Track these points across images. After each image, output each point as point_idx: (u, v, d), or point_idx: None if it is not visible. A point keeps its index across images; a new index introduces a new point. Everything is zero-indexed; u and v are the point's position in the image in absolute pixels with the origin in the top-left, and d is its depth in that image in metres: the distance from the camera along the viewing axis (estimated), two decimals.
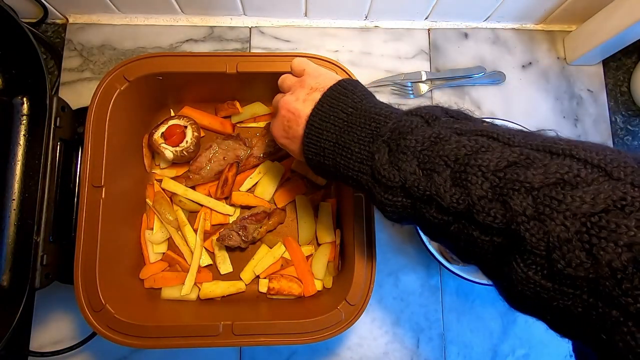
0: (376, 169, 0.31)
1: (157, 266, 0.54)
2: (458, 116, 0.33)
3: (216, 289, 0.53)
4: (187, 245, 0.55)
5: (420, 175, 0.29)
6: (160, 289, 0.53)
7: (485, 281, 0.54)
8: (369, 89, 0.39)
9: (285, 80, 0.43)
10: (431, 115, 0.32)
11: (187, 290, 0.53)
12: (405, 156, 0.30)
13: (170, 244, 0.55)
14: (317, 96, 0.37)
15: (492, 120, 0.58)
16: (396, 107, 0.36)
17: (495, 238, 0.26)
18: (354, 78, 0.45)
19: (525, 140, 0.27)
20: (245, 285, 0.54)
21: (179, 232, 0.55)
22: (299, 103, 0.38)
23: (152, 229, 0.55)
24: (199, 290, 0.54)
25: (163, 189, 0.56)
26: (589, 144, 0.26)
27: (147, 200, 0.55)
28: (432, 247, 0.54)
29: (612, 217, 0.21)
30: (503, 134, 0.28)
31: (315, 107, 0.37)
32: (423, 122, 0.32)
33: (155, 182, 0.56)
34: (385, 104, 0.37)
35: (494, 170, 0.26)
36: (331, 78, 0.39)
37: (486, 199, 0.26)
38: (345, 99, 0.36)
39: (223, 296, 0.54)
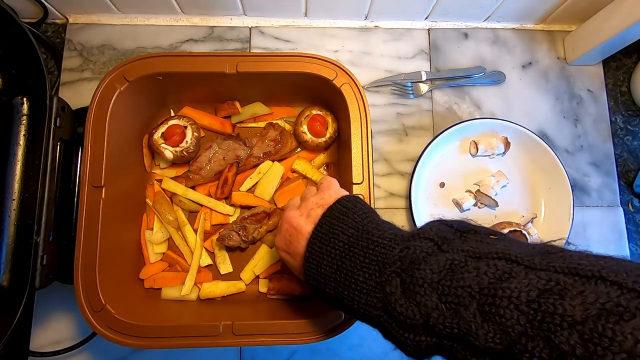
0: (390, 304, 0.29)
1: (157, 266, 0.54)
2: (464, 229, 0.31)
3: (216, 289, 0.53)
4: (187, 245, 0.55)
5: (444, 310, 0.26)
6: (160, 289, 0.53)
7: None
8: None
9: (305, 190, 0.42)
10: (440, 237, 0.30)
11: (187, 290, 0.53)
12: (423, 289, 0.27)
13: (170, 244, 0.55)
14: (319, 213, 0.36)
15: (492, 120, 0.58)
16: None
17: None
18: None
19: (547, 262, 0.25)
20: (245, 285, 0.54)
21: (179, 232, 0.55)
22: (302, 219, 0.36)
23: (152, 229, 0.55)
24: (199, 290, 0.54)
25: (163, 189, 0.56)
26: (612, 261, 0.25)
27: (147, 200, 0.55)
28: None
29: None
30: (521, 255, 0.26)
31: (315, 227, 0.35)
32: (434, 246, 0.30)
33: (155, 182, 0.56)
34: (388, 222, 0.35)
35: (527, 301, 0.24)
36: (336, 194, 0.37)
37: (527, 336, 0.23)
38: (345, 219, 0.34)
39: (223, 296, 0.54)
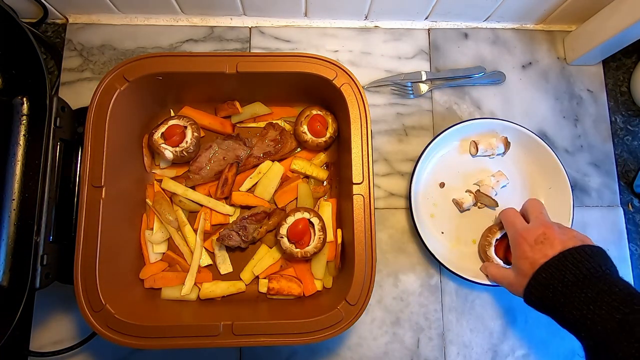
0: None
1: (157, 266, 0.54)
2: None
3: (216, 289, 0.53)
4: (187, 245, 0.55)
5: None
6: (160, 289, 0.53)
7: (485, 281, 0.54)
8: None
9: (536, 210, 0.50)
10: None
11: (187, 290, 0.53)
12: None
13: (170, 244, 0.55)
14: (576, 243, 0.43)
15: (492, 120, 0.58)
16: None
17: None
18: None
19: None
20: (245, 285, 0.54)
21: (179, 232, 0.55)
22: (565, 237, 0.44)
23: (152, 229, 0.55)
24: (199, 290, 0.54)
25: (163, 189, 0.56)
26: None
27: (147, 200, 0.55)
28: (432, 247, 0.54)
29: None
30: None
31: (578, 246, 0.42)
32: None
33: (155, 182, 0.56)
34: (620, 283, 0.40)
35: None
36: (587, 240, 0.45)
37: None
38: (597, 259, 0.41)
39: (223, 296, 0.54)
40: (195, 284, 0.54)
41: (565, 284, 0.40)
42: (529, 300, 0.44)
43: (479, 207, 0.59)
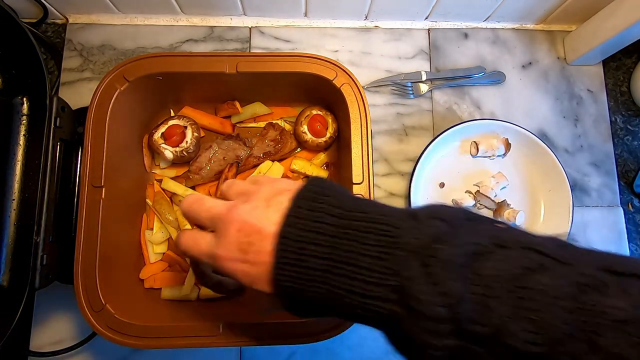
0: (411, 292, 0.22)
1: (157, 266, 0.54)
2: (469, 216, 0.26)
3: None
4: None
5: (472, 302, 0.22)
6: (160, 289, 0.53)
7: None
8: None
9: (232, 186, 0.33)
10: (453, 218, 0.25)
11: (187, 290, 0.53)
12: (448, 273, 0.22)
13: (170, 244, 0.55)
14: (284, 200, 0.28)
15: (493, 121, 0.58)
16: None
17: None
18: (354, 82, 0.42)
19: (573, 256, 0.23)
20: None
21: (179, 232, 0.55)
22: (260, 211, 0.28)
23: (152, 229, 0.55)
24: (199, 290, 0.54)
25: (163, 189, 0.56)
26: (633, 259, 0.23)
27: (147, 200, 0.55)
28: None
29: None
30: (547, 247, 0.23)
31: (287, 213, 0.27)
32: (449, 227, 0.24)
33: (155, 182, 0.56)
34: (376, 202, 0.28)
35: (566, 297, 0.21)
36: (292, 182, 0.31)
37: (569, 336, 0.20)
38: (327, 198, 0.27)
39: (223, 296, 0.54)
40: (195, 284, 0.54)
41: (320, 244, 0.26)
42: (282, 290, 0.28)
43: (478, 208, 0.59)
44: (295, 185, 0.29)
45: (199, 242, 0.31)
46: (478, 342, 0.22)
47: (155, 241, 0.54)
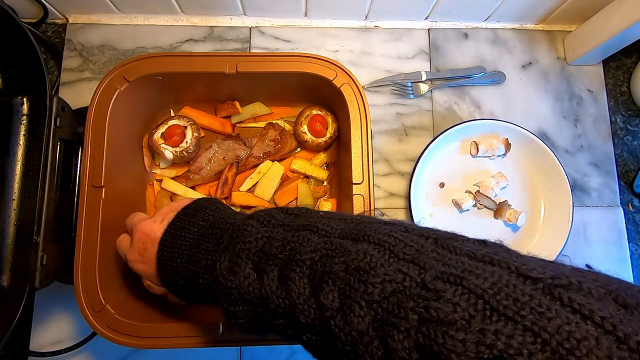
0: (216, 277, 0.30)
1: None
2: (297, 213, 0.32)
3: None
4: None
5: (254, 278, 0.28)
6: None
7: None
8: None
9: (135, 215, 0.41)
10: (266, 216, 0.32)
11: None
12: (241, 260, 0.29)
13: None
14: (172, 215, 0.36)
15: (493, 121, 0.58)
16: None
17: (318, 337, 0.25)
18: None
19: (342, 229, 0.28)
20: None
21: None
22: (156, 224, 0.36)
23: None
24: None
25: (163, 189, 0.56)
26: (385, 228, 0.26)
27: (147, 200, 0.55)
28: None
29: (396, 300, 0.21)
30: (323, 226, 0.29)
31: (168, 225, 0.35)
32: (258, 224, 0.31)
33: (155, 182, 0.56)
34: (238, 212, 0.36)
35: (310, 264, 0.26)
36: (188, 200, 0.38)
37: (304, 296, 0.25)
38: (199, 214, 0.35)
39: None
40: None
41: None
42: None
43: (478, 208, 0.59)
44: (187, 203, 0.37)
45: (122, 245, 0.40)
46: (256, 306, 0.28)
47: None
